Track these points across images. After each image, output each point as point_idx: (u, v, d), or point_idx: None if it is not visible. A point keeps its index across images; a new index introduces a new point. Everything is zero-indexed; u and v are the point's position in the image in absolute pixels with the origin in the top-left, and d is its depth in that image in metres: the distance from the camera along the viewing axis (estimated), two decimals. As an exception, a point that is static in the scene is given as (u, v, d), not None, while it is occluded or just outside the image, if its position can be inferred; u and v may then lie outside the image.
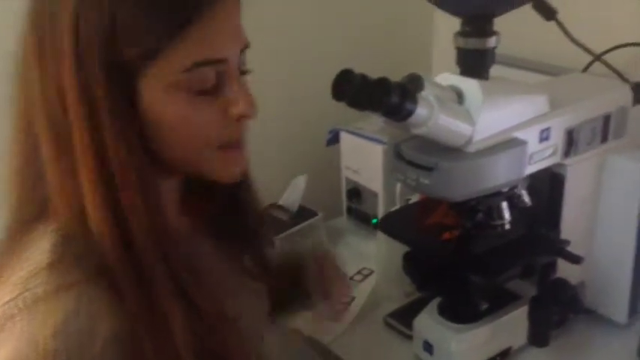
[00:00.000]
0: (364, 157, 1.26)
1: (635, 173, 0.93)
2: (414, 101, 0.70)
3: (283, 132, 1.35)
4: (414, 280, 0.92)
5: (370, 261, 1.21)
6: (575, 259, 0.86)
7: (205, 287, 0.64)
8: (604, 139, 0.93)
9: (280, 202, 1.28)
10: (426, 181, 0.79)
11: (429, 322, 0.95)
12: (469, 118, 0.77)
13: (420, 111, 0.71)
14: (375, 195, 1.26)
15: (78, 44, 0.55)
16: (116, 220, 0.58)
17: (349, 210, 1.35)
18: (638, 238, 0.97)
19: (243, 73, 0.64)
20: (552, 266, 0.90)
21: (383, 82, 0.68)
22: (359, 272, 1.21)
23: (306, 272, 0.88)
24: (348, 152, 1.30)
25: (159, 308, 0.58)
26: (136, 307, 0.57)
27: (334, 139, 1.31)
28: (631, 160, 0.94)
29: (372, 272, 1.19)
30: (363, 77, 0.71)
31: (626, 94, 0.95)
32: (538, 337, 0.90)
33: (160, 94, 0.58)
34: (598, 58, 1.08)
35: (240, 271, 0.78)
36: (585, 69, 1.11)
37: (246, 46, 0.63)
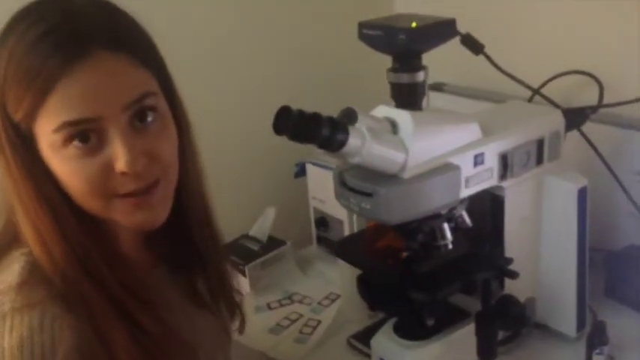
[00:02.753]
0: (329, 187, 1.32)
1: (571, 193, 1.00)
2: (345, 132, 0.77)
3: (253, 165, 1.42)
4: (366, 300, 0.98)
5: (338, 287, 1.26)
6: (512, 275, 0.92)
7: (156, 313, 0.71)
8: (539, 161, 1.00)
9: (251, 233, 1.34)
10: (367, 206, 0.85)
11: (384, 341, 1.00)
12: (402, 147, 0.83)
13: (353, 141, 0.78)
14: (340, 223, 1.32)
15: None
16: (55, 252, 0.67)
17: (319, 239, 1.41)
18: (579, 255, 1.03)
19: (141, 117, 0.67)
20: (495, 282, 0.96)
21: (315, 117, 0.75)
22: (326, 297, 1.26)
23: None
24: (314, 183, 1.37)
25: (101, 328, 0.65)
26: (86, 327, 0.64)
27: (301, 171, 1.38)
28: (567, 180, 1.00)
29: (338, 297, 1.25)
30: (300, 113, 0.78)
31: (558, 120, 1.02)
32: (484, 351, 0.95)
33: (47, 152, 0.66)
34: (537, 91, 1.16)
35: (199, 305, 0.83)
36: (529, 100, 1.19)
37: (139, 97, 0.66)
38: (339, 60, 1.48)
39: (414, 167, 0.84)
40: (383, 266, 0.95)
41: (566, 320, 1.06)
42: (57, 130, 0.64)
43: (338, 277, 1.24)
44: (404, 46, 0.82)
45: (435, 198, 0.87)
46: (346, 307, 1.18)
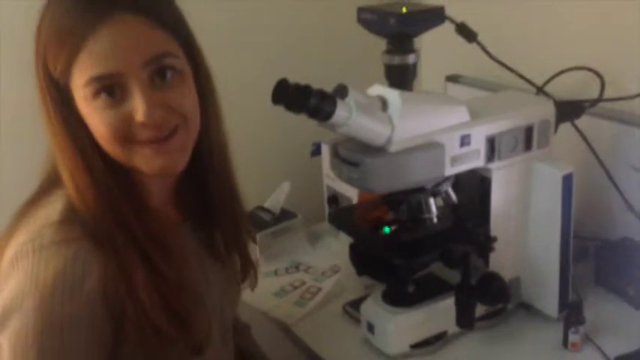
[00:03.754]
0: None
1: (556, 179, 1.05)
2: (333, 104, 0.85)
3: (272, 143, 1.52)
4: (355, 266, 1.06)
5: (341, 259, 1.35)
6: (487, 249, 0.98)
7: (174, 262, 0.80)
8: (528, 147, 1.05)
9: (265, 205, 1.44)
10: (355, 176, 0.94)
11: (372, 306, 1.08)
12: (389, 122, 0.91)
13: (339, 113, 0.86)
14: (350, 200, 1.41)
15: (37, 68, 0.77)
16: (87, 196, 0.77)
17: (330, 215, 1.49)
18: (562, 239, 1.08)
19: (162, 74, 0.75)
20: (474, 256, 1.02)
21: (305, 89, 0.84)
22: (330, 268, 1.35)
23: None
24: (328, 162, 1.45)
25: (124, 267, 0.75)
26: (111, 265, 0.74)
27: (317, 150, 1.47)
28: (552, 166, 1.06)
29: (340, 268, 1.33)
30: (295, 85, 0.86)
31: (549, 110, 1.07)
32: (462, 319, 1.02)
33: (81, 104, 0.75)
34: (540, 88, 1.21)
35: (215, 258, 0.93)
36: (538, 92, 1.24)
37: (157, 56, 0.74)
38: (344, 42, 1.57)
39: (400, 142, 0.92)
40: (371, 235, 1.03)
41: (549, 301, 1.11)
42: (86, 84, 0.73)
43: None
44: (395, 30, 0.89)
45: (418, 172, 0.94)
46: (345, 277, 1.27)
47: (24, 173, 0.80)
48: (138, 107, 0.74)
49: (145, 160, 0.77)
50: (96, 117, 0.75)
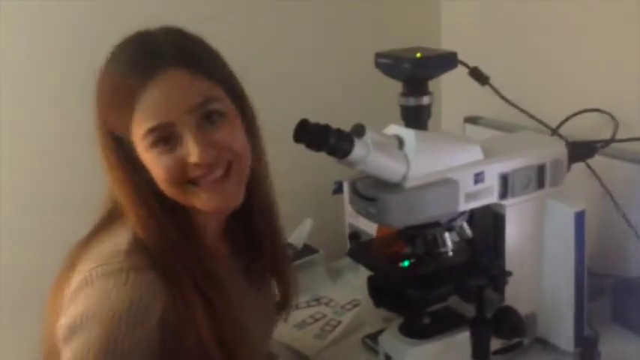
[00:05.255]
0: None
1: (569, 216, 1.08)
2: (350, 142, 0.91)
3: (296, 181, 1.57)
4: (373, 298, 1.10)
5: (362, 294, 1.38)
6: (501, 283, 1.01)
7: (225, 296, 0.86)
8: (540, 185, 1.09)
9: (289, 240, 1.49)
10: (373, 210, 0.98)
11: (389, 338, 1.11)
12: (405, 160, 0.96)
13: (357, 151, 0.92)
14: (370, 237, 1.45)
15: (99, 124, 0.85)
16: (151, 235, 0.83)
17: (351, 251, 1.53)
18: (577, 275, 1.10)
19: (210, 119, 0.84)
20: (495, 293, 1.04)
21: (324, 128, 0.90)
22: (350, 302, 1.39)
23: None
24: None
25: (187, 303, 0.81)
26: (173, 299, 0.81)
27: (339, 189, 1.52)
28: (565, 204, 1.09)
29: (360, 302, 1.36)
30: (315, 125, 0.92)
31: (561, 150, 1.11)
32: (477, 352, 1.04)
33: (142, 154, 0.83)
34: (555, 130, 1.26)
35: (258, 292, 0.99)
36: (553, 133, 1.28)
37: (201, 102, 0.82)
38: (362, 85, 1.64)
39: (415, 179, 0.97)
40: (388, 268, 1.07)
41: (564, 336, 1.13)
42: (144, 136, 0.81)
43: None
44: (409, 74, 0.96)
45: (433, 207, 0.98)
46: (364, 311, 1.30)
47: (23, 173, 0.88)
48: (191, 150, 0.81)
49: (202, 201, 0.85)
50: (155, 163, 0.83)
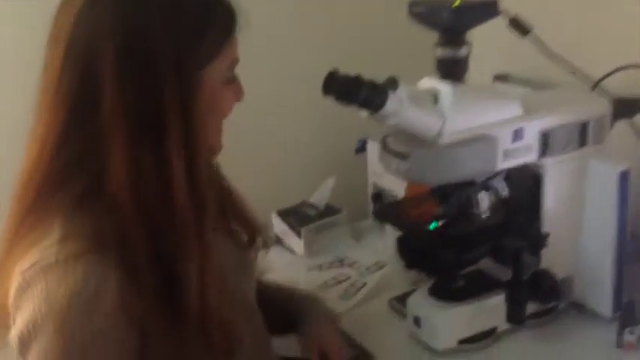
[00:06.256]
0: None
1: (612, 176, 1.02)
2: (384, 95, 0.85)
3: (317, 139, 1.53)
4: (403, 259, 1.05)
5: (387, 255, 1.34)
6: (540, 244, 0.96)
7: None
8: (582, 144, 1.03)
9: (311, 200, 1.45)
10: (404, 168, 0.93)
11: (419, 300, 1.07)
12: (440, 115, 0.91)
13: (390, 104, 0.86)
14: (395, 197, 1.40)
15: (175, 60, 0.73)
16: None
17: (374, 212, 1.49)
18: (618, 237, 1.05)
19: None
20: (526, 253, 1.00)
21: (356, 79, 0.84)
22: (375, 264, 1.34)
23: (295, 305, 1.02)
24: (374, 159, 1.45)
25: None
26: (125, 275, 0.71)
27: (362, 147, 1.47)
28: (608, 164, 1.03)
29: (386, 264, 1.32)
30: (345, 76, 0.86)
31: (605, 107, 1.05)
32: (513, 315, 1.00)
33: (215, 86, 0.77)
34: (597, 83, 1.18)
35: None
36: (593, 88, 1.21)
37: None
38: (393, 36, 1.55)
39: (451, 135, 0.91)
40: (420, 229, 1.03)
41: (602, 301, 1.08)
42: (232, 64, 0.79)
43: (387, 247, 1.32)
44: (447, 23, 0.89)
45: (469, 165, 0.93)
46: (390, 273, 1.26)
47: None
48: (240, 88, 0.82)
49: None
50: (227, 96, 0.80)
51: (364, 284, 1.27)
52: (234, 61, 0.80)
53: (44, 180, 0.74)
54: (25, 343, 0.71)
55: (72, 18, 0.72)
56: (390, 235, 1.29)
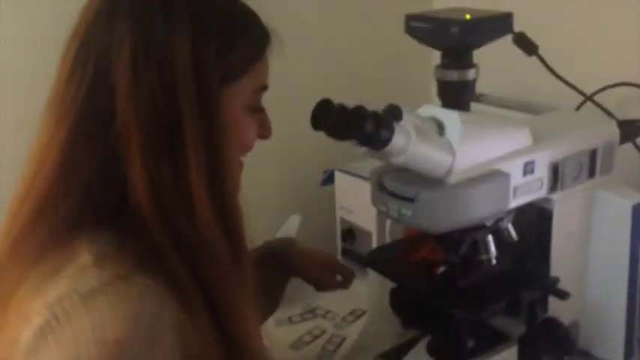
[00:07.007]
0: (359, 196, 1.26)
1: (624, 209, 0.92)
2: (390, 129, 0.71)
3: (279, 171, 1.36)
4: (400, 316, 0.91)
5: (363, 302, 1.19)
6: (562, 295, 0.84)
7: None
8: (591, 174, 0.93)
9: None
10: (408, 212, 0.79)
11: (416, 361, 0.93)
12: (449, 149, 0.77)
13: (397, 139, 0.71)
14: (369, 234, 1.26)
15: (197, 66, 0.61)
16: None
17: (344, 251, 1.34)
18: (630, 277, 0.95)
19: None
20: (540, 303, 0.88)
21: (359, 110, 0.69)
22: (351, 313, 1.19)
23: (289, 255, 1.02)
24: (343, 192, 1.30)
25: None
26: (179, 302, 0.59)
27: (329, 179, 1.32)
28: (621, 196, 0.93)
29: (364, 313, 1.17)
30: (341, 107, 0.72)
31: (613, 131, 0.95)
32: (528, 376, 0.87)
33: (237, 109, 0.66)
34: (589, 98, 1.09)
35: None
36: (578, 108, 1.12)
37: None
38: (378, 57, 1.40)
39: (461, 172, 0.78)
40: (420, 279, 0.88)
41: (613, 347, 0.98)
42: (258, 90, 0.69)
43: (365, 292, 1.17)
44: (456, 40, 0.76)
45: (481, 207, 0.80)
46: (374, 324, 1.11)
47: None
48: (267, 122, 0.72)
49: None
50: (252, 124, 0.69)
51: (343, 339, 1.11)
52: (263, 88, 0.70)
53: (42, 200, 0.62)
54: None
55: (88, 18, 0.63)
56: (368, 276, 1.15)
